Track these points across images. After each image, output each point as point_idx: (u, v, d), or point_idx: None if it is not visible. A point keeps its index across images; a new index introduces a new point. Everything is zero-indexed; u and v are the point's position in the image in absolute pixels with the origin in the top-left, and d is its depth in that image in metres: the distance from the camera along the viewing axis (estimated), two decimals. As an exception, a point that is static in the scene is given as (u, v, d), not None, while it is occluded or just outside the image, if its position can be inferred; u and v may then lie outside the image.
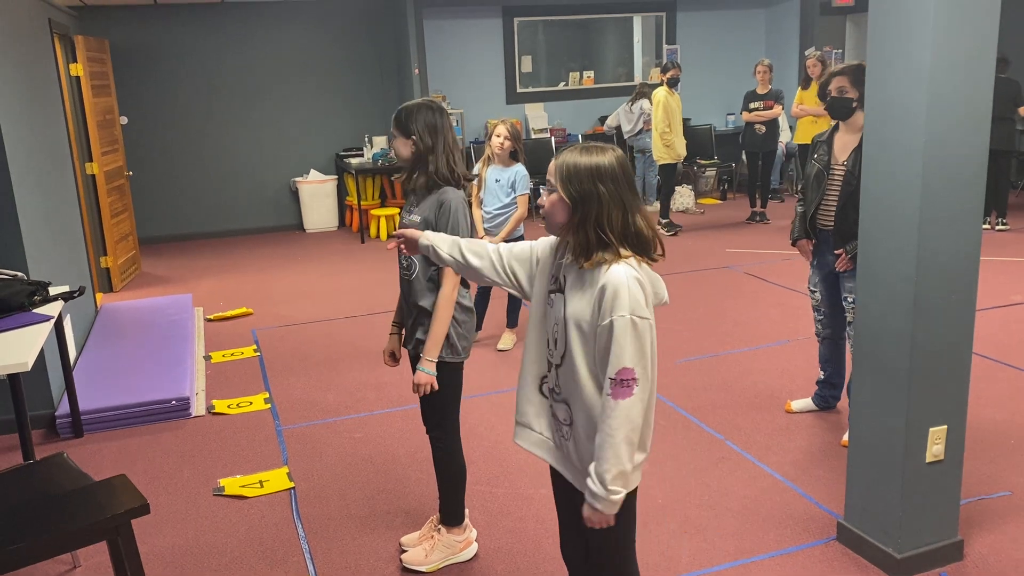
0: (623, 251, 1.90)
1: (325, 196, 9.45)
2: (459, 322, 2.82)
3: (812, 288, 3.93)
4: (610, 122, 9.80)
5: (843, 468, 3.40)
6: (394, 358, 3.07)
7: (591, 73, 10.36)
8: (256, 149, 9.41)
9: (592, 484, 1.89)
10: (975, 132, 2.58)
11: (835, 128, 3.73)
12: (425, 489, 3.54)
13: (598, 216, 1.89)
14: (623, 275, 1.86)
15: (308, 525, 3.32)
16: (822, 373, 4.08)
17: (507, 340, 5.27)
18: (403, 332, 3.01)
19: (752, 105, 8.44)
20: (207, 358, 5.34)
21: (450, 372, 2.82)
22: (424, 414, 2.94)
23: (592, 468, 1.90)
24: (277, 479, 3.69)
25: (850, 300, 3.68)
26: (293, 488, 3.62)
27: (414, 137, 2.75)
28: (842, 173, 3.61)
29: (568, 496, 2.12)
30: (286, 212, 9.65)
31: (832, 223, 3.68)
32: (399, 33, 9.28)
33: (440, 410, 2.89)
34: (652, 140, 8.42)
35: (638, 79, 10.39)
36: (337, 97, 9.54)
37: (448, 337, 2.78)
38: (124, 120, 8.58)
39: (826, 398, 4.10)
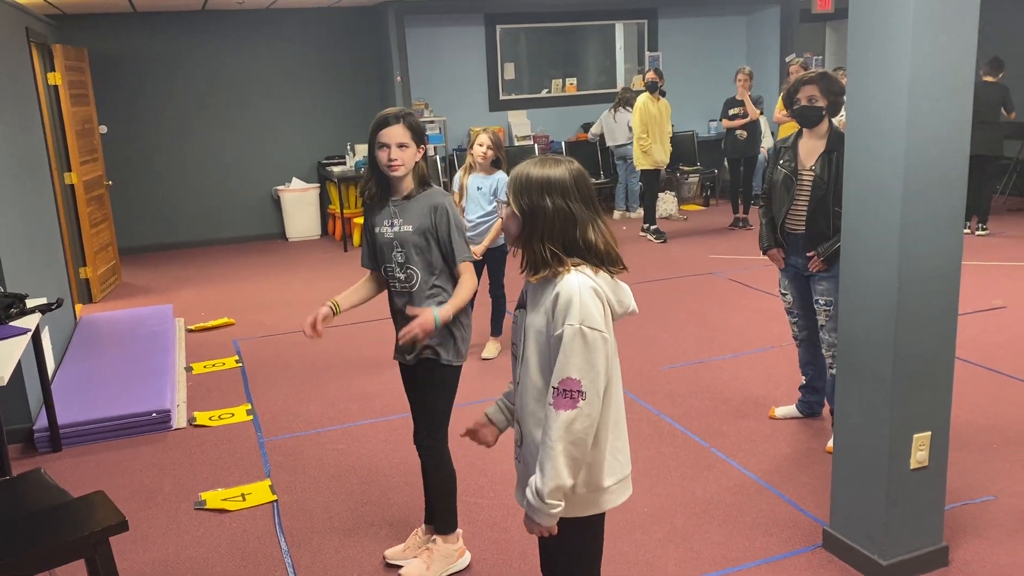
0: (572, 261, 1.87)
1: (307, 204, 9.40)
2: (463, 325, 2.81)
3: (783, 291, 3.95)
4: (594, 130, 9.82)
5: (828, 474, 3.39)
6: (314, 328, 2.77)
7: (574, 80, 10.37)
8: (238, 157, 9.35)
9: (529, 495, 1.86)
10: (956, 138, 2.59)
11: (799, 134, 3.76)
12: (409, 500, 3.51)
13: (544, 230, 1.86)
14: (576, 284, 1.82)
15: (291, 538, 3.28)
16: (804, 377, 4.09)
17: (491, 349, 5.25)
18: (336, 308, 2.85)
19: (732, 112, 8.48)
20: (188, 369, 5.29)
21: (451, 375, 2.83)
22: (418, 417, 2.91)
23: (531, 479, 1.87)
24: (259, 492, 3.65)
25: (822, 302, 3.70)
26: (276, 501, 3.58)
27: (423, 146, 2.76)
28: (811, 178, 3.64)
29: None
30: (268, 221, 9.60)
31: (802, 227, 3.70)
32: (381, 41, 9.26)
33: (435, 414, 2.87)
34: (634, 150, 8.44)
35: (620, 86, 10.42)
36: (319, 105, 9.50)
37: (454, 338, 2.79)
38: (103, 129, 8.51)
39: (810, 404, 4.10)
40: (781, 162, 3.77)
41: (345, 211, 9.01)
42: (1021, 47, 8.65)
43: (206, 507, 3.54)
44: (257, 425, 4.39)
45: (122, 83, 8.77)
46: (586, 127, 10.15)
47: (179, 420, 4.47)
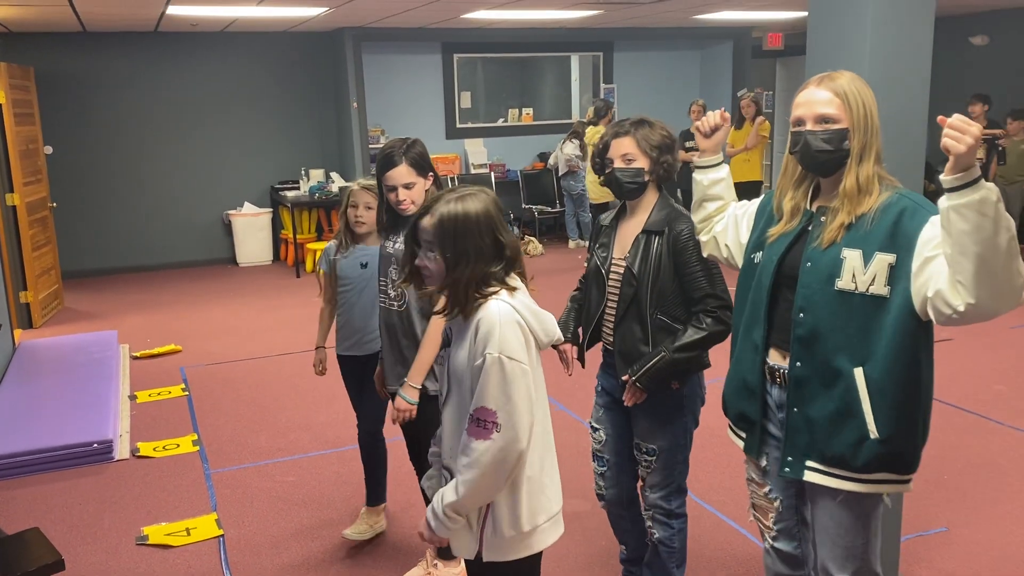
0: (491, 289, 1.82)
1: (259, 229, 9.27)
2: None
3: (596, 424, 2.77)
4: (551, 161, 9.89)
5: (784, 506, 3.40)
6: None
7: (530, 110, 10.45)
8: (188, 181, 9.19)
9: (435, 502, 1.86)
10: (911, 164, 2.63)
11: (623, 207, 2.62)
12: (361, 535, 3.42)
13: (473, 267, 1.81)
14: (496, 314, 1.78)
15: (237, 575, 3.17)
16: (623, 548, 2.90)
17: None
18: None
19: (688, 144, 8.60)
20: (132, 398, 5.13)
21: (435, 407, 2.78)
22: (411, 451, 2.96)
23: (440, 490, 1.86)
24: (205, 526, 3.53)
25: (643, 449, 2.60)
26: (222, 536, 3.46)
27: (431, 175, 2.71)
28: (620, 272, 2.52)
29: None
30: (218, 245, 9.43)
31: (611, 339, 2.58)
32: (337, 66, 9.23)
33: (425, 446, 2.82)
34: (586, 180, 8.49)
35: (575, 117, 10.53)
36: (273, 129, 9.41)
37: (434, 372, 2.71)
38: (49, 150, 8.30)
39: None
40: (596, 245, 2.66)
41: (298, 237, 8.91)
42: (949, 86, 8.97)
43: (148, 542, 3.41)
44: (203, 456, 4.26)
45: (69, 103, 8.58)
46: (543, 156, 10.22)
47: (122, 451, 4.32)
